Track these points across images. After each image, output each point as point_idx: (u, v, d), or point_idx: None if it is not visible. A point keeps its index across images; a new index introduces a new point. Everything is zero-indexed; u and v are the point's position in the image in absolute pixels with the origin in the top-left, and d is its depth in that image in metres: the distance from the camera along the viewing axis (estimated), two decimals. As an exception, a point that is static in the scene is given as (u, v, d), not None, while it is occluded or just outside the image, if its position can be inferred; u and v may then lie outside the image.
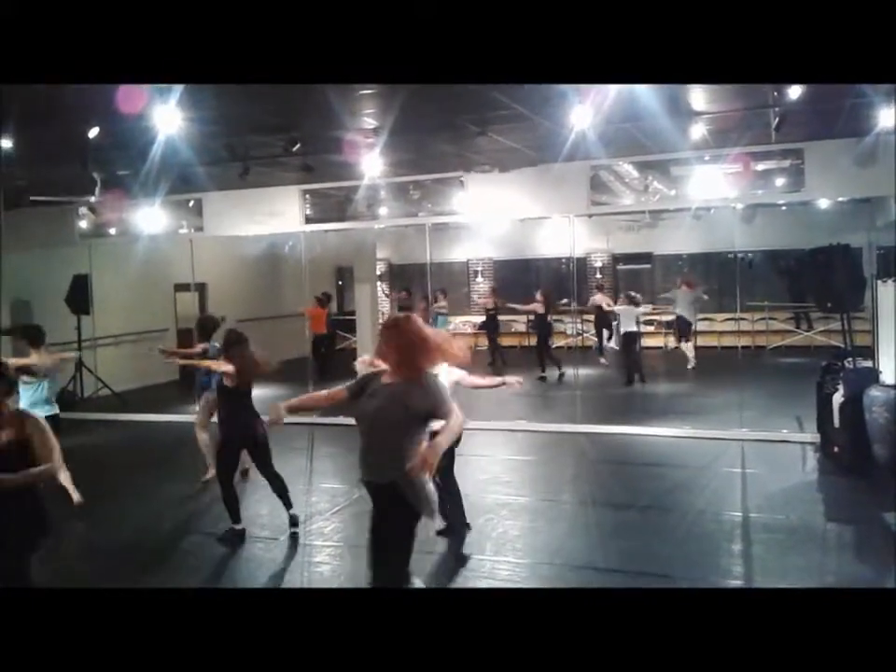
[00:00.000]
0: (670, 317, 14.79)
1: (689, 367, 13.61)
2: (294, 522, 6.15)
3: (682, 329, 13.93)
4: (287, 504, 6.17)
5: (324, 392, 4.04)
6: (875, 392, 7.18)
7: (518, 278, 17.94)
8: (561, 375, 12.97)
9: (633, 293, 13.21)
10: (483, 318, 15.73)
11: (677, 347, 14.39)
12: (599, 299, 14.60)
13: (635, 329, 12.72)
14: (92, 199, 10.54)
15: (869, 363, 8.09)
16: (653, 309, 14.94)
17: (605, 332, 14.85)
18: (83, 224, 12.38)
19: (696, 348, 14.05)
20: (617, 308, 13.19)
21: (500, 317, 15.57)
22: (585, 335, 15.92)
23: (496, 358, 14.30)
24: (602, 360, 14.41)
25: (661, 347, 16.08)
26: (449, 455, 5.71)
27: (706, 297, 13.95)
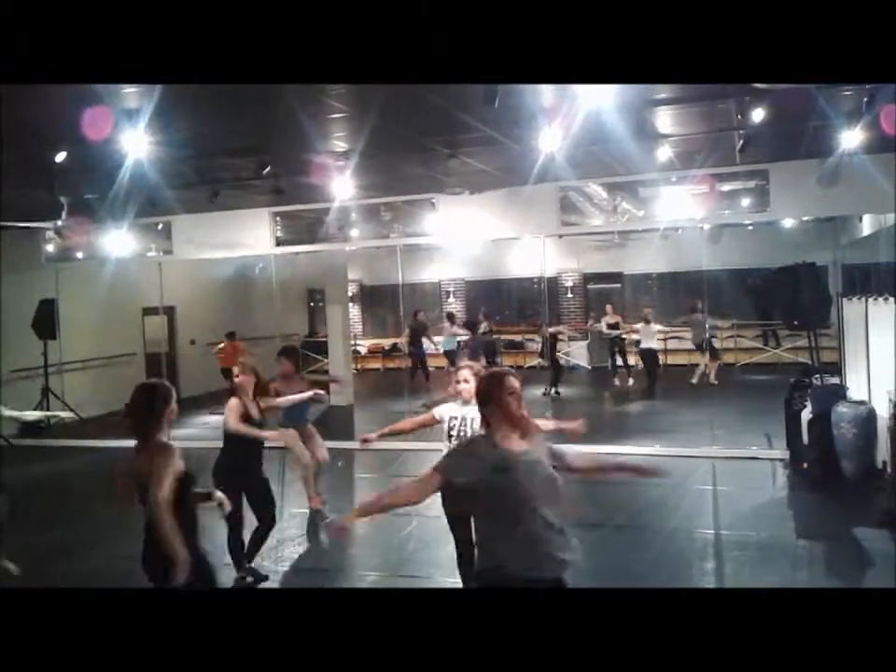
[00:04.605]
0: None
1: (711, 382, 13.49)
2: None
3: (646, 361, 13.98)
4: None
5: (411, 481, 3.29)
6: (842, 408, 7.28)
7: (490, 298, 18.04)
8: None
9: (646, 310, 13.67)
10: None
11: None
12: (611, 320, 14.50)
13: (654, 346, 13.23)
14: (59, 223, 10.42)
15: (836, 380, 8.21)
16: (630, 329, 15.06)
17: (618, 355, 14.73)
18: (50, 248, 12.25)
19: (665, 366, 14.19)
20: (636, 327, 13.57)
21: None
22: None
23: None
24: (617, 383, 14.31)
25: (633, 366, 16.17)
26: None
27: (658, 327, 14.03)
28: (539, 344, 14.93)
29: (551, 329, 13.77)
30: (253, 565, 5.60)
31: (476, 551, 3.15)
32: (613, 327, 14.37)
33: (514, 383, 3.14)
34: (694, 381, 13.55)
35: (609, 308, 14.66)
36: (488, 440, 3.09)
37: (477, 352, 13.05)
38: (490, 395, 3.12)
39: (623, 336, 14.45)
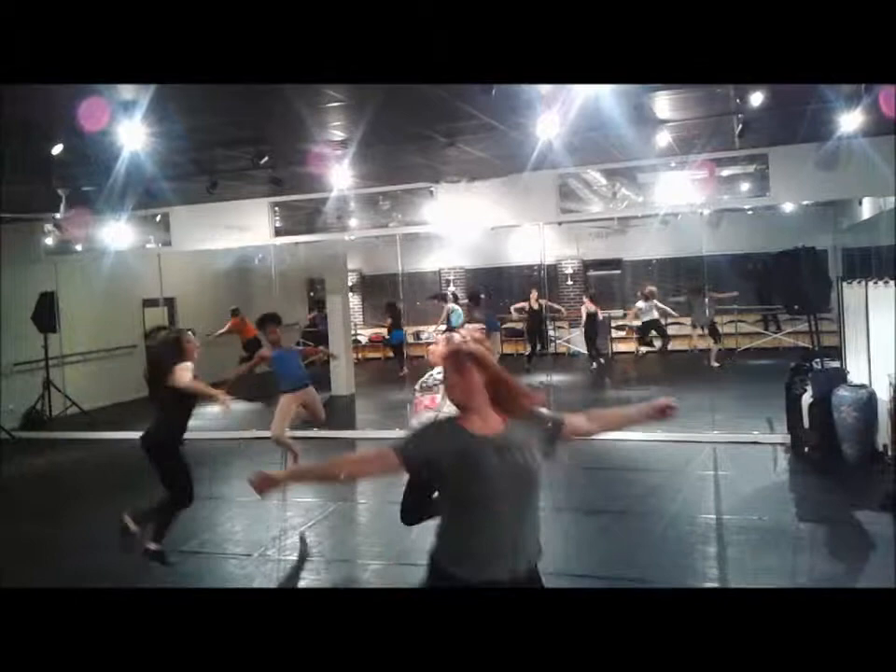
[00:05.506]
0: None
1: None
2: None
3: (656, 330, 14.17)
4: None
5: (360, 455, 3.03)
6: (842, 392, 7.30)
7: (490, 286, 18.02)
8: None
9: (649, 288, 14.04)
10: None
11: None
12: (591, 306, 14.65)
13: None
14: (57, 215, 10.40)
15: (836, 364, 8.22)
16: (625, 314, 15.14)
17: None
18: (49, 241, 12.22)
19: (668, 352, 14.23)
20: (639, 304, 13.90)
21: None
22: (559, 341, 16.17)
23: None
24: (593, 366, 14.53)
25: (633, 352, 16.20)
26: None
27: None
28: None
29: (516, 307, 14.12)
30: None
31: (435, 539, 2.77)
32: (592, 315, 14.49)
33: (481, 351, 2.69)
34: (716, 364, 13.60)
35: (587, 301, 14.82)
36: (452, 421, 2.73)
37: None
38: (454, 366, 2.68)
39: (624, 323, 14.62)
